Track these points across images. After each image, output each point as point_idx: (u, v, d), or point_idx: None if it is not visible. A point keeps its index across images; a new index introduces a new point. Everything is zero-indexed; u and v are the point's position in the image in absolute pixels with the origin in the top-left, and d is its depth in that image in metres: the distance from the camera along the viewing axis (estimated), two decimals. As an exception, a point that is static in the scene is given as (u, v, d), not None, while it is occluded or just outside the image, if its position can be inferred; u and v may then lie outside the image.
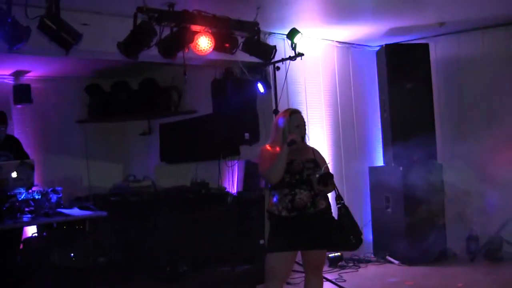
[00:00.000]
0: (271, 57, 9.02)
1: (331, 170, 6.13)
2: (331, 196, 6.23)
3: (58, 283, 7.77)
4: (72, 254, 8.07)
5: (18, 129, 10.87)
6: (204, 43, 7.97)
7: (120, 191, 10.22)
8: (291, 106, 9.07)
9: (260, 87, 9.48)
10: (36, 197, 7.90)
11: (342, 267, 9.91)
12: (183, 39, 7.79)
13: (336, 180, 6.06)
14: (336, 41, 10.91)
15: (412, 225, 9.96)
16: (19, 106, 10.92)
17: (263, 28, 8.80)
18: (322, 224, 6.04)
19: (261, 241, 9.37)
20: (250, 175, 10.40)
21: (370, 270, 9.95)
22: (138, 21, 7.42)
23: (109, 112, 11.95)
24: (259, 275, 8.23)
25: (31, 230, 8.93)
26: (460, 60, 10.74)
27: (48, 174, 10.43)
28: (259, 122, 10.03)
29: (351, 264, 10.08)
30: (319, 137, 10.26)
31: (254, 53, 8.81)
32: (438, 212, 10.23)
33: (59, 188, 8.27)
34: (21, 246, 8.50)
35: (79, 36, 6.93)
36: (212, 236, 9.51)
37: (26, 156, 8.41)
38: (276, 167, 5.93)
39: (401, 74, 10.28)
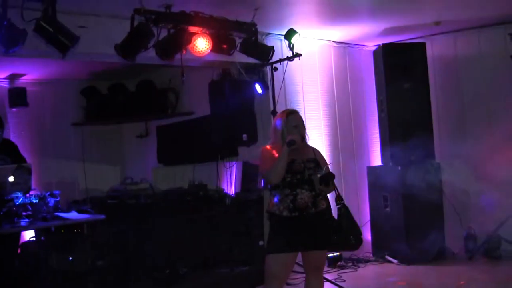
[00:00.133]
0: (269, 57, 8.99)
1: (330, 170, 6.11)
2: (330, 196, 6.21)
3: (56, 287, 7.73)
4: (71, 258, 8.02)
5: (14, 133, 10.77)
6: (201, 44, 7.94)
7: (118, 194, 10.16)
8: (289, 107, 9.08)
9: (258, 88, 9.45)
10: (34, 201, 7.85)
11: (341, 267, 9.92)
12: (180, 40, 7.77)
13: (335, 180, 6.03)
14: (333, 41, 10.90)
15: (411, 224, 9.98)
16: (14, 109, 10.86)
17: (260, 29, 8.78)
18: (323, 224, 6.04)
19: (260, 242, 9.36)
20: (248, 176, 10.39)
21: (369, 270, 9.97)
22: (135, 23, 7.38)
23: (106, 115, 11.90)
24: (258, 276, 8.22)
25: (28, 235, 8.88)
26: (457, 59, 10.75)
27: (45, 177, 10.43)
28: (257, 123, 10.01)
29: (350, 264, 10.09)
30: (317, 137, 10.22)
31: (251, 54, 8.79)
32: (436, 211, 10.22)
33: (57, 192, 8.22)
34: (19, 251, 8.46)
35: (76, 38, 6.89)
36: (210, 237, 9.49)
37: (23, 160, 8.35)
38: (276, 168, 5.91)
39: (398, 73, 10.28)
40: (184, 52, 7.92)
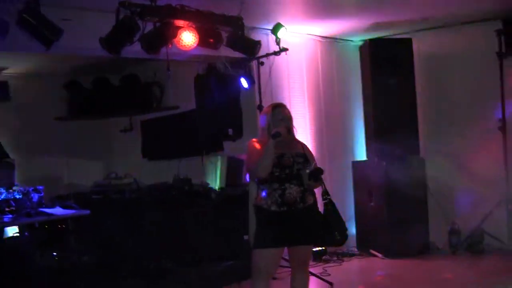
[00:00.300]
0: (255, 52, 8.94)
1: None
2: (317, 191, 6.19)
3: (41, 283, 7.69)
4: (55, 254, 8.00)
5: (-4, 127, 10.74)
6: (188, 38, 7.87)
7: (102, 189, 10.15)
8: (275, 101, 9.03)
9: (244, 83, 9.39)
10: (17, 196, 7.84)
11: (326, 261, 9.91)
12: (166, 34, 7.70)
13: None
14: (320, 36, 10.86)
15: (395, 219, 9.98)
16: (-4, 103, 10.76)
17: (247, 23, 8.70)
18: (310, 219, 6.01)
19: (245, 237, 9.32)
20: (233, 171, 10.36)
21: (354, 264, 10.00)
22: (121, 16, 7.31)
23: (89, 109, 11.85)
24: (243, 271, 8.24)
25: (12, 230, 8.81)
26: (443, 55, 10.71)
27: (29, 173, 10.34)
28: (243, 117, 10.00)
29: (335, 258, 10.08)
30: (303, 132, 10.18)
31: (238, 48, 8.72)
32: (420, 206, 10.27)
33: (41, 187, 8.20)
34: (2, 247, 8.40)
35: (59, 32, 6.81)
36: (195, 232, 9.45)
37: (5, 155, 8.30)
38: (263, 162, 5.86)
39: (384, 68, 10.25)
40: (170, 46, 7.86)
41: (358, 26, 10.32)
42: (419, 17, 9.88)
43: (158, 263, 8.87)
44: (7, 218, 7.47)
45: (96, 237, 8.95)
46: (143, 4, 7.42)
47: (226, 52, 8.74)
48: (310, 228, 6.00)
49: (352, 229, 10.60)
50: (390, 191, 9.98)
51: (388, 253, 10.01)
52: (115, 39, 7.31)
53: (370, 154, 10.71)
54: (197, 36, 7.95)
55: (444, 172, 10.36)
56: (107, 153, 12.70)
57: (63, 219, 8.06)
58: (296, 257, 6.23)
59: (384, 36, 10.96)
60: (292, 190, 5.90)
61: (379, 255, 10.12)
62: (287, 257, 6.54)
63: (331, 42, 11.15)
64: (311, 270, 7.32)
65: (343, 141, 11.33)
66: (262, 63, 9.30)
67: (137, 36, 7.46)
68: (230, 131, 9.80)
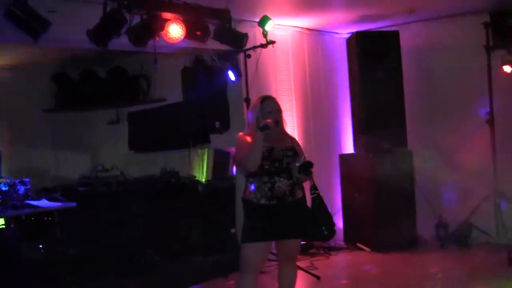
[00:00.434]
0: (243, 44, 8.92)
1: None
2: (305, 185, 6.17)
3: (27, 275, 7.66)
4: (41, 246, 7.97)
5: (-18, 119, 10.69)
6: (175, 31, 7.83)
7: (88, 181, 10.12)
8: (262, 94, 9.01)
9: (231, 75, 9.37)
10: (3, 189, 7.78)
11: (313, 255, 9.89)
12: (153, 27, 7.66)
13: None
14: (307, 29, 10.86)
15: (383, 212, 9.99)
16: (-17, 95, 10.70)
17: (234, 15, 8.68)
18: (299, 213, 5.99)
19: (232, 230, 9.32)
20: (220, 163, 10.35)
21: (341, 258, 10.00)
22: (108, 9, 7.27)
23: (76, 101, 11.80)
24: (230, 264, 8.23)
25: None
26: (431, 48, 10.74)
27: (15, 165, 10.29)
28: (230, 110, 9.98)
29: (322, 252, 10.06)
30: (290, 125, 10.17)
31: (225, 41, 8.70)
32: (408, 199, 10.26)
33: (27, 180, 8.15)
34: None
35: (47, 24, 6.78)
36: (182, 225, 9.46)
37: (-8, 147, 8.27)
38: (252, 155, 5.82)
39: (372, 61, 10.28)
40: (157, 39, 7.82)
41: (345, 18, 10.33)
42: (406, 10, 9.86)
43: (144, 256, 8.84)
44: (-7, 210, 7.45)
45: (82, 230, 8.93)
46: (130, -3, 7.40)
47: (213, 44, 8.71)
48: (299, 222, 5.98)
49: (339, 223, 10.56)
50: (377, 184, 10.00)
51: (375, 247, 10.01)
52: (102, 32, 7.27)
53: (357, 147, 10.71)
54: (184, 29, 7.91)
55: (432, 165, 10.36)
56: (94, 145, 12.62)
57: (49, 212, 8.01)
58: (285, 251, 6.20)
59: (371, 29, 10.94)
60: (282, 184, 5.88)
61: (366, 248, 10.11)
62: (274, 251, 6.52)
63: (318, 34, 11.15)
64: (298, 263, 7.33)
65: (330, 134, 11.34)
66: (249, 56, 9.28)
67: (124, 29, 7.42)
68: (217, 123, 9.80)
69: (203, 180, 10.34)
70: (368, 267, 9.25)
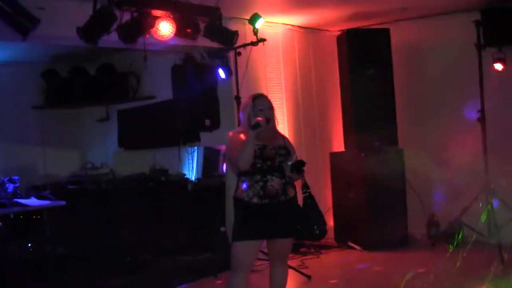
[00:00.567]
0: (233, 42, 8.88)
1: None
2: (296, 184, 6.14)
3: (15, 274, 7.61)
4: (30, 245, 7.92)
5: (-29, 116, 10.61)
6: (165, 28, 7.78)
7: (78, 179, 10.08)
8: (252, 92, 8.97)
9: (221, 73, 9.35)
10: (-8, 187, 7.74)
11: (304, 254, 9.88)
12: (143, 24, 7.61)
13: (300, 167, 5.97)
14: (297, 26, 10.85)
15: (374, 210, 10.00)
16: (-28, 92, 10.63)
17: (224, 13, 8.66)
18: (291, 212, 5.97)
19: (222, 228, 9.30)
20: (210, 161, 10.32)
21: (332, 256, 9.98)
22: (98, 6, 7.22)
23: (66, 98, 11.74)
24: (220, 263, 8.21)
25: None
26: (422, 46, 10.77)
27: (4, 162, 10.24)
28: (220, 108, 9.95)
29: (312, 250, 10.04)
30: (280, 122, 10.12)
31: (215, 39, 8.65)
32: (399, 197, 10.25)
33: (16, 177, 8.11)
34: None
35: (36, 20, 6.72)
36: (172, 224, 9.43)
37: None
38: (244, 153, 5.79)
39: (362, 59, 10.26)
40: (147, 36, 7.78)
41: (335, 16, 10.31)
42: (398, 7, 9.84)
43: (134, 255, 8.80)
44: (-19, 209, 7.40)
45: (71, 228, 8.87)
46: (121, -6, 7.35)
47: (203, 42, 8.68)
48: (291, 221, 5.96)
49: (330, 221, 10.51)
50: (368, 183, 9.98)
51: (366, 245, 10.01)
52: (92, 29, 7.22)
53: (348, 145, 10.67)
54: (175, 26, 7.86)
55: (423, 163, 10.32)
56: (84, 143, 12.59)
57: (38, 210, 7.97)
58: (276, 250, 6.19)
59: (362, 27, 10.91)
60: (274, 183, 5.85)
61: (358, 247, 10.12)
62: (265, 250, 6.49)
63: (309, 32, 11.14)
64: (288, 263, 7.31)
65: (320, 132, 11.33)
66: (239, 54, 9.26)
67: (114, 26, 7.38)
68: (207, 121, 9.76)
69: (193, 178, 10.31)
70: (359, 265, 9.22)
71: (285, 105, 10.57)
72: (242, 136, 5.97)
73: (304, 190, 6.02)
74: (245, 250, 5.90)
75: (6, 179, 7.92)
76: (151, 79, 11.26)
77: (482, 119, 9.75)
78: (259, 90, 9.67)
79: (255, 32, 9.02)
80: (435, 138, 10.40)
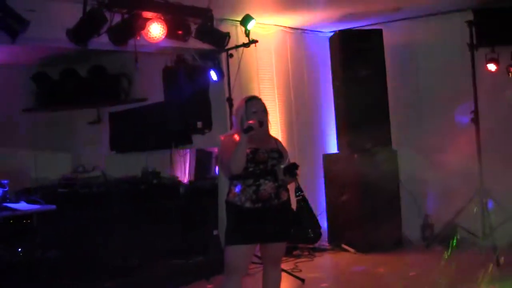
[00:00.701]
0: (225, 44, 8.83)
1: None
2: (289, 187, 6.09)
3: (6, 279, 7.55)
4: (20, 249, 7.85)
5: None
6: (156, 30, 7.73)
7: (69, 183, 10.01)
8: (244, 94, 8.94)
9: (213, 75, 9.30)
10: (-19, 191, 7.68)
11: (297, 256, 9.81)
12: (134, 26, 7.56)
13: (293, 170, 5.93)
14: (289, 27, 10.80)
15: (367, 213, 9.93)
16: (-38, 95, 10.56)
17: (216, 14, 8.63)
18: (284, 216, 5.92)
19: (215, 232, 9.25)
20: (202, 164, 10.28)
21: (326, 259, 9.94)
22: (88, 7, 7.15)
23: (57, 101, 11.69)
24: (213, 267, 8.15)
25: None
26: (414, 47, 10.73)
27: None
28: (212, 110, 9.87)
29: (306, 253, 9.97)
30: (272, 125, 10.06)
31: (207, 40, 8.62)
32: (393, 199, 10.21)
33: (5, 181, 8.05)
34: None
35: (26, 23, 6.67)
36: (164, 227, 9.37)
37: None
38: (236, 157, 5.73)
39: (355, 60, 10.22)
40: (138, 38, 7.72)
41: (328, 17, 10.27)
42: (390, 8, 9.81)
43: (125, 259, 8.74)
44: (-30, 213, 7.35)
45: (62, 232, 8.79)
46: (111, -5, 7.29)
47: (194, 44, 8.64)
48: (284, 225, 5.92)
49: (323, 224, 10.47)
50: (362, 184, 9.93)
51: (360, 248, 9.95)
52: (82, 31, 7.19)
53: (342, 146, 10.61)
54: (166, 28, 7.82)
55: (417, 164, 10.31)
56: (75, 146, 12.52)
57: (28, 214, 7.91)
58: (269, 254, 6.15)
59: (355, 28, 10.87)
60: (267, 186, 5.80)
61: (351, 250, 10.05)
62: (259, 254, 6.45)
63: (301, 33, 11.10)
64: (282, 266, 7.27)
65: (313, 134, 11.29)
66: (231, 55, 9.21)
67: (105, 28, 7.32)
68: (199, 124, 9.69)
69: (185, 180, 10.26)
70: (353, 268, 9.16)
71: (278, 106, 10.52)
72: (236, 136, 5.93)
73: (297, 193, 5.97)
74: (238, 254, 5.85)
75: (-5, 183, 7.86)
76: (143, 81, 11.22)
77: (475, 120, 9.69)
78: (251, 92, 9.63)
79: (247, 33, 8.97)
80: (428, 139, 10.35)
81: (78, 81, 11.66)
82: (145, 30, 7.68)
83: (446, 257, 9.09)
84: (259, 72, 10.20)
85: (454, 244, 9.64)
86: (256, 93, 9.64)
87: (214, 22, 8.71)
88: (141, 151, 11.00)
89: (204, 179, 10.11)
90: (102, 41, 7.50)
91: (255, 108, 6.01)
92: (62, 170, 10.88)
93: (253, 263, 7.67)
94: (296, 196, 5.97)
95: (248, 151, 5.77)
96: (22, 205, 7.93)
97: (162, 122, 10.10)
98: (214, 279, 8.40)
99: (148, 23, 7.69)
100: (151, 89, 10.88)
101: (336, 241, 10.37)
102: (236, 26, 9.42)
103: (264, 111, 6.07)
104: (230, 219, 5.97)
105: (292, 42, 10.94)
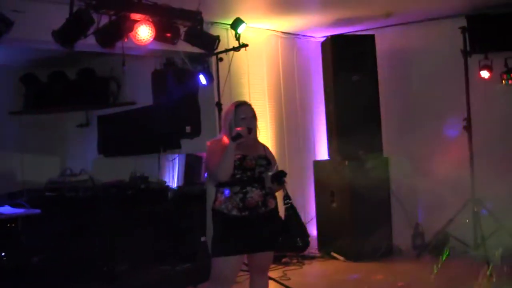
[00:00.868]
0: (214, 47, 8.74)
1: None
2: (277, 194, 6.00)
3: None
4: (3, 254, 7.75)
5: None
6: (144, 32, 7.62)
7: (56, 186, 9.90)
8: (234, 99, 8.87)
9: (202, 79, 9.22)
10: (-35, 194, 7.61)
11: (286, 264, 9.73)
12: (122, 28, 7.44)
13: (281, 177, 5.84)
14: (281, 32, 10.76)
15: (358, 220, 9.87)
16: None
17: (206, 17, 8.53)
18: (272, 224, 5.84)
19: (203, 238, 9.16)
20: (191, 169, 10.19)
21: (315, 267, 9.86)
22: (75, 9, 7.03)
23: (45, 103, 11.59)
24: (200, 274, 8.05)
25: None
26: (407, 52, 10.70)
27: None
28: (201, 115, 9.81)
29: (295, 261, 9.88)
30: (263, 130, 10.01)
31: (196, 44, 8.52)
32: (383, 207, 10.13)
33: (-10, 185, 7.98)
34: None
35: (10, 23, 6.55)
36: (151, 233, 9.29)
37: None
38: (223, 165, 5.65)
39: (347, 65, 10.16)
40: (125, 40, 7.61)
41: (320, 22, 10.25)
42: (382, 13, 9.75)
43: (112, 265, 8.64)
44: (-46, 217, 7.27)
45: (48, 237, 8.69)
46: (98, -4, 7.17)
47: (184, 47, 8.55)
48: (272, 234, 5.84)
49: (313, 231, 10.46)
50: (352, 192, 9.84)
51: (350, 256, 9.88)
52: (68, 33, 7.04)
53: (332, 153, 10.52)
54: (154, 30, 7.70)
55: (408, 172, 10.27)
56: (63, 149, 12.42)
57: (12, 218, 7.82)
58: (257, 263, 6.08)
59: (347, 33, 10.83)
60: (254, 194, 5.72)
61: (341, 258, 9.99)
62: (246, 261, 6.34)
63: (293, 38, 11.08)
64: (270, 274, 7.19)
65: (304, 140, 11.26)
66: (221, 59, 9.15)
67: (92, 30, 7.20)
68: (188, 128, 9.61)
69: (174, 185, 10.17)
70: (342, 276, 9.09)
71: (268, 112, 10.48)
72: (224, 139, 5.86)
73: (285, 201, 5.85)
74: (225, 265, 5.78)
75: (-21, 187, 7.79)
76: (132, 84, 11.15)
77: (468, 127, 9.63)
78: (242, 96, 9.57)
79: (237, 37, 8.89)
80: (420, 146, 10.35)
81: (67, 84, 11.58)
82: (133, 32, 7.56)
83: (437, 266, 9.02)
84: (249, 77, 10.15)
85: (446, 253, 9.58)
86: (246, 98, 9.59)
87: (205, 26, 8.63)
88: (130, 155, 10.89)
89: (193, 184, 10.01)
90: (89, 43, 7.38)
91: (244, 114, 5.93)
92: (50, 173, 10.75)
93: (241, 270, 7.57)
94: (285, 204, 5.85)
95: (235, 158, 5.68)
96: (6, 209, 7.85)
97: (151, 126, 10.03)
98: (201, 286, 8.30)
99: (136, 25, 7.57)
100: (140, 93, 10.82)
101: (326, 248, 10.27)
102: (227, 29, 9.36)
103: (253, 117, 5.98)
104: (217, 227, 5.89)
105: (284, 46, 10.89)
